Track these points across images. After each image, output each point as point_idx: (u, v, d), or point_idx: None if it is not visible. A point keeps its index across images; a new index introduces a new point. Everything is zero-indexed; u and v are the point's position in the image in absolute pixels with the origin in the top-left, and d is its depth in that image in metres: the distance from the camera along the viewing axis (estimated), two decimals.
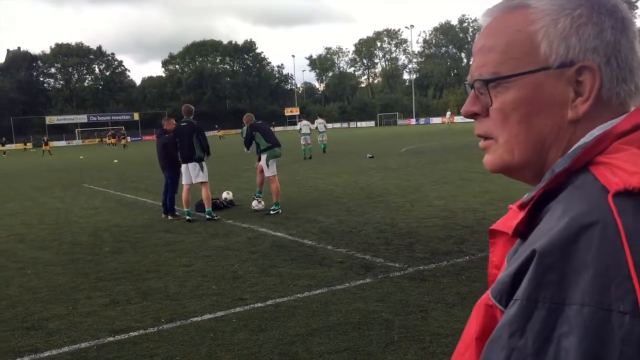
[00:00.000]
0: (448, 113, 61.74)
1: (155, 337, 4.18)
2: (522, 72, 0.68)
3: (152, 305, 4.92)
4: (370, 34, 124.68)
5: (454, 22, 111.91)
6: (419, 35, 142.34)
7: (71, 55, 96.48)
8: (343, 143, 33.70)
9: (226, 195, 10.67)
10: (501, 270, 0.67)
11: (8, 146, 60.74)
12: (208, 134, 9.55)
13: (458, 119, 64.06)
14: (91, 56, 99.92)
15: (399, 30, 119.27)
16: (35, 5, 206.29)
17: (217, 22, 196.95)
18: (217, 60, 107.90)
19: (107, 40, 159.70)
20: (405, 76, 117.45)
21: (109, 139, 60.73)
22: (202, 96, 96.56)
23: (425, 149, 24.50)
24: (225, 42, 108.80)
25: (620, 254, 0.53)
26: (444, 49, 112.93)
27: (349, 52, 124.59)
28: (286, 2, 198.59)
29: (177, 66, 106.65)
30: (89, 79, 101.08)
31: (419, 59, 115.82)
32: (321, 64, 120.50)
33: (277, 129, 60.38)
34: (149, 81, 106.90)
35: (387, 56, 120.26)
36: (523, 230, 0.64)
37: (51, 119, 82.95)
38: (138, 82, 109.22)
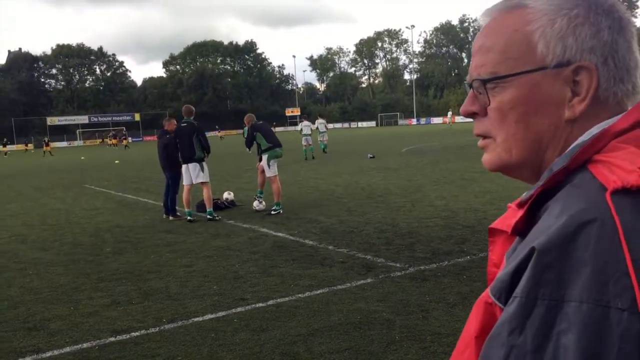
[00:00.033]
0: (449, 113, 61.80)
1: (156, 337, 4.19)
2: (520, 72, 0.69)
3: (154, 305, 4.93)
4: (371, 34, 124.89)
5: (455, 22, 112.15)
6: (420, 35, 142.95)
7: (72, 56, 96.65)
8: (344, 143, 33.71)
9: (227, 195, 10.67)
10: (500, 268, 0.67)
11: (9, 147, 60.81)
12: (209, 134, 9.52)
13: (459, 119, 64.04)
14: (92, 57, 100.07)
15: (399, 30, 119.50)
16: (36, 6, 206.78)
17: (218, 23, 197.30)
18: (218, 61, 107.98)
19: (108, 41, 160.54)
20: (406, 76, 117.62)
21: (110, 140, 60.79)
22: (203, 97, 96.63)
23: (426, 149, 24.50)
24: (226, 42, 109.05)
25: (618, 251, 0.53)
26: (444, 49, 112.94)
27: (349, 52, 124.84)
28: (286, 2, 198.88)
29: (178, 67, 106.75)
30: (90, 79, 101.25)
31: (420, 59, 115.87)
32: (322, 64, 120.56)
33: (278, 129, 60.43)
34: (149, 82, 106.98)
35: (387, 56, 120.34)
36: (522, 229, 0.65)
37: (52, 120, 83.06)
38: (139, 82, 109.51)
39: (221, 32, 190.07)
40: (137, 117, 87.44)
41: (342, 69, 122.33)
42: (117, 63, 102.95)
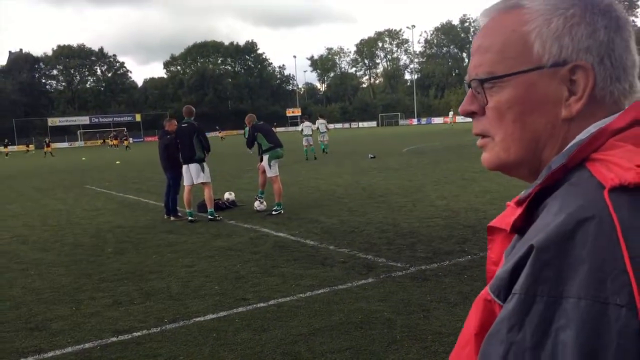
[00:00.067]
0: (451, 113, 61.83)
1: (158, 337, 4.19)
2: (516, 72, 0.69)
3: (155, 305, 4.94)
4: (372, 34, 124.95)
5: (455, 22, 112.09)
6: (421, 35, 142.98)
7: (73, 57, 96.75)
8: (345, 143, 33.71)
9: (228, 195, 10.68)
10: (499, 266, 0.67)
11: (10, 148, 60.88)
12: (209, 135, 9.56)
13: (460, 118, 64.00)
14: (93, 58, 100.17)
15: (400, 30, 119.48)
16: (37, 7, 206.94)
17: (219, 23, 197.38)
18: (219, 61, 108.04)
19: (108, 42, 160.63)
20: (407, 76, 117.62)
21: (111, 140, 60.87)
22: (203, 97, 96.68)
23: (427, 149, 24.50)
24: (226, 43, 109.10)
25: (616, 248, 0.53)
26: (445, 49, 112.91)
27: (350, 52, 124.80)
28: (287, 3, 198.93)
29: (178, 67, 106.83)
30: (91, 80, 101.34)
31: (421, 59, 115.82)
32: (322, 64, 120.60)
33: (278, 129, 60.49)
34: (150, 82, 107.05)
35: (388, 56, 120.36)
36: (520, 227, 0.65)
37: (53, 121, 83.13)
38: (140, 83, 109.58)
39: (222, 33, 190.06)
40: (138, 117, 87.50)
41: (343, 69, 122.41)
42: (117, 64, 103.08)
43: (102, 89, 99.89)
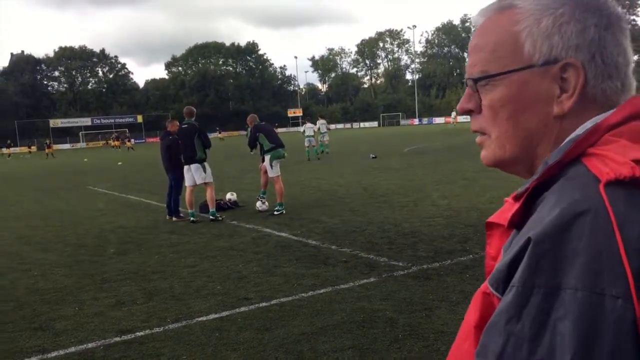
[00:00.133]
0: (453, 113, 61.79)
1: (161, 336, 4.21)
2: (508, 71, 0.71)
3: (158, 305, 4.96)
4: (373, 34, 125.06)
5: (456, 21, 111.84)
6: (421, 35, 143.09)
7: (74, 59, 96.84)
8: (346, 144, 33.72)
9: (230, 196, 10.70)
10: (498, 261, 0.69)
11: (12, 149, 61.01)
12: (209, 135, 9.61)
13: (462, 118, 63.98)
14: (94, 59, 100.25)
15: (401, 30, 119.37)
16: (39, 9, 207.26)
17: (220, 24, 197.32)
18: (220, 62, 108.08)
19: (110, 43, 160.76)
20: (408, 76, 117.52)
21: (113, 142, 60.97)
22: (205, 98, 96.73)
23: (428, 148, 24.50)
24: (227, 43, 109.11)
25: (612, 240, 0.55)
26: (446, 48, 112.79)
27: (351, 52, 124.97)
28: (288, 4, 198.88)
29: (180, 68, 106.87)
30: (93, 82, 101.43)
31: (422, 59, 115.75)
32: (324, 64, 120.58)
33: (280, 130, 60.44)
34: (152, 84, 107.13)
35: (389, 56, 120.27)
36: (518, 221, 0.66)
37: (55, 122, 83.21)
38: (141, 84, 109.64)
39: (223, 34, 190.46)
40: (140, 118, 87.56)
41: (344, 69, 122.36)
42: (119, 65, 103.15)
43: (103, 90, 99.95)
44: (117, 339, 4.23)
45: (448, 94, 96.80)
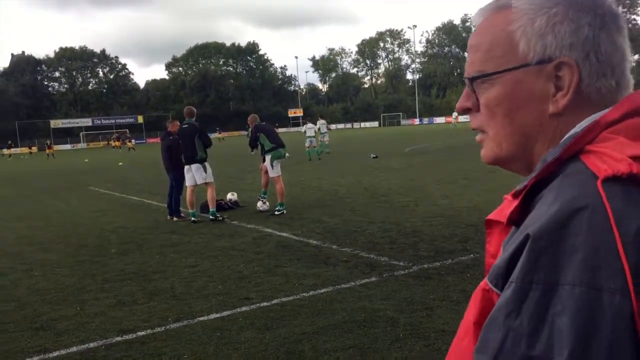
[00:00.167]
0: (454, 114, 61.76)
1: (162, 336, 4.22)
2: (503, 70, 0.72)
3: (159, 305, 4.97)
4: (373, 34, 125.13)
5: (457, 21, 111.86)
6: (422, 35, 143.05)
7: (75, 59, 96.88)
8: (347, 144, 33.73)
9: (231, 196, 10.71)
10: (497, 258, 0.69)
11: (13, 150, 61.08)
12: (209, 135, 9.68)
13: (463, 118, 63.98)
14: (95, 60, 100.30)
15: (401, 30, 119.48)
16: (39, 10, 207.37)
17: (220, 25, 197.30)
18: (221, 63, 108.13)
19: (110, 44, 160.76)
20: (409, 76, 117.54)
21: (113, 142, 61.06)
22: (205, 98, 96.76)
23: (429, 148, 24.51)
24: (228, 44, 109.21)
25: (610, 236, 0.55)
26: (446, 48, 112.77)
27: (351, 52, 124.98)
28: (288, 4, 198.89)
29: (180, 69, 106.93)
30: (93, 82, 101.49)
31: (422, 59, 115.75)
32: (324, 65, 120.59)
33: (280, 130, 60.52)
34: (152, 84, 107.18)
35: (390, 56, 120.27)
36: (517, 218, 0.67)
37: (56, 123, 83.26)
38: (142, 85, 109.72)
39: (223, 34, 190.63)
40: (140, 119, 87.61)
41: (345, 69, 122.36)
42: (119, 65, 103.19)
43: (104, 90, 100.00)
44: (119, 338, 4.24)
45: (449, 93, 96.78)
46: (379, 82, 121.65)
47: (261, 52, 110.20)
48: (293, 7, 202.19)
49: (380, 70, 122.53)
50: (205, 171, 9.24)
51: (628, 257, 0.54)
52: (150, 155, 33.36)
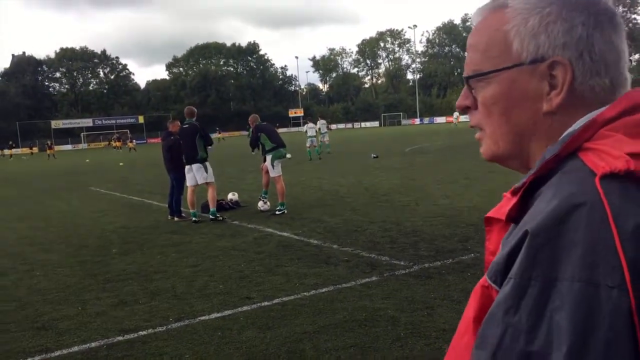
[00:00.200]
0: (455, 113, 61.76)
1: (164, 335, 4.23)
2: (498, 69, 0.73)
3: (160, 305, 4.97)
4: (374, 34, 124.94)
5: (457, 21, 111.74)
6: (422, 35, 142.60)
7: (76, 60, 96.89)
8: (347, 144, 33.73)
9: (232, 196, 10.72)
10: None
11: (14, 150, 61.14)
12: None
13: (464, 118, 63.96)
14: (96, 60, 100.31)
15: (402, 30, 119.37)
16: (40, 10, 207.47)
17: (221, 25, 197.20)
18: (221, 63, 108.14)
19: (111, 44, 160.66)
20: (409, 76, 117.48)
21: (114, 142, 61.15)
22: (206, 98, 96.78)
23: (430, 148, 24.51)
24: (228, 44, 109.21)
25: (607, 232, 0.56)
26: (447, 48, 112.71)
27: (352, 52, 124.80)
28: (288, 4, 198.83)
29: (181, 69, 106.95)
30: (94, 82, 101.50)
31: (423, 59, 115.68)
32: (325, 65, 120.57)
33: (281, 130, 60.54)
34: (153, 84, 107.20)
35: (390, 56, 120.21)
36: (516, 215, 0.67)
37: (57, 123, 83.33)
38: (142, 85, 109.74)
39: (224, 34, 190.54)
40: (141, 119, 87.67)
41: (345, 69, 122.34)
42: (120, 66, 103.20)
43: (105, 91, 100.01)
44: (120, 338, 4.25)
45: (449, 93, 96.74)
46: (379, 82, 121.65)
47: (261, 52, 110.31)
48: (293, 7, 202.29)
49: (380, 70, 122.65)
50: (206, 171, 9.25)
51: (626, 253, 0.54)
52: (151, 156, 33.38)
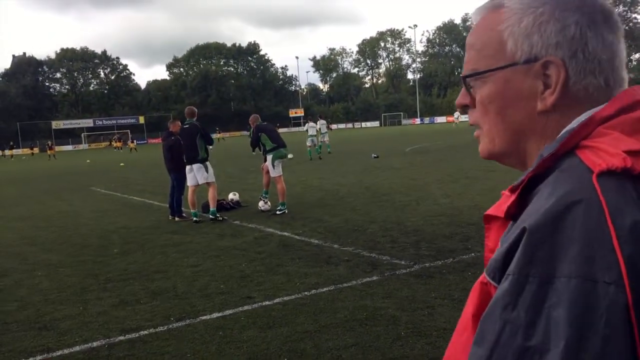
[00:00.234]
0: (456, 113, 61.74)
1: (165, 335, 4.24)
2: (493, 69, 0.74)
3: (162, 304, 4.98)
4: (374, 34, 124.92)
5: (457, 21, 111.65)
6: (423, 34, 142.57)
7: (76, 60, 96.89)
8: (348, 144, 33.73)
9: (232, 196, 10.73)
10: None
11: (14, 151, 61.19)
12: None
13: (464, 117, 63.91)
14: (96, 60, 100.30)
15: (402, 30, 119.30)
16: (40, 11, 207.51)
17: (221, 25, 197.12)
18: (222, 63, 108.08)
19: (111, 45, 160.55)
20: (409, 76, 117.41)
21: (115, 142, 61.23)
22: (207, 99, 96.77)
23: (430, 148, 24.50)
24: (229, 44, 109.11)
25: (604, 229, 0.56)
26: (447, 48, 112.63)
27: (352, 52, 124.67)
28: (288, 4, 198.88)
29: (181, 69, 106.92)
30: (94, 83, 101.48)
31: (423, 59, 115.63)
32: (325, 64, 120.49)
33: (281, 130, 60.48)
34: (153, 84, 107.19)
35: (390, 56, 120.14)
36: (514, 213, 0.68)
37: (57, 124, 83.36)
38: (143, 85, 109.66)
39: (224, 34, 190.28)
40: (142, 119, 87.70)
41: (345, 69, 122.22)
42: (121, 66, 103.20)
43: (105, 91, 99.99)
44: (122, 337, 4.26)
45: (450, 93, 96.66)
46: (379, 81, 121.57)
47: (262, 53, 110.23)
48: (293, 7, 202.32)
49: (381, 70, 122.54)
50: (207, 171, 9.26)
51: (623, 250, 0.55)
52: (151, 156, 33.39)
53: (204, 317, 4.56)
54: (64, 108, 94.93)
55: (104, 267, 6.57)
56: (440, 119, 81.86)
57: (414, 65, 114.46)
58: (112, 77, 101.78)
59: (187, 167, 9.34)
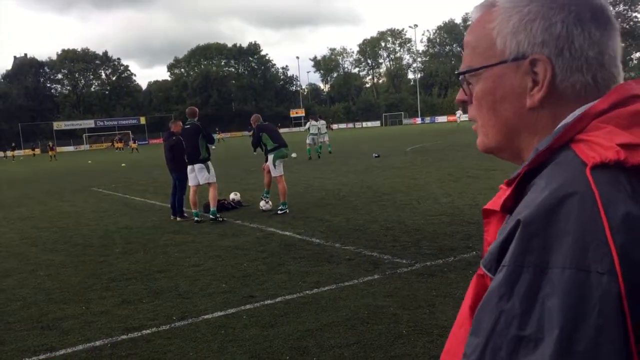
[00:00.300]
0: (458, 112, 61.73)
1: (167, 334, 4.26)
2: (485, 66, 0.76)
3: (164, 303, 5.00)
4: (374, 34, 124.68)
5: (458, 20, 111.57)
6: (423, 34, 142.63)
7: (77, 61, 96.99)
8: (349, 143, 33.73)
9: (234, 196, 10.75)
10: None
11: (16, 152, 61.29)
12: None
13: (465, 117, 63.89)
14: (97, 61, 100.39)
15: (402, 29, 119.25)
16: (41, 12, 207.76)
17: (221, 25, 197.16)
18: (222, 63, 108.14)
19: (112, 46, 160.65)
20: (410, 75, 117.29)
21: (117, 143, 61.29)
22: (208, 99, 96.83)
23: (431, 147, 24.49)
24: (229, 45, 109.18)
25: (598, 221, 0.58)
26: (448, 47, 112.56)
27: (353, 52, 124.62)
28: (289, 4, 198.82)
29: (182, 70, 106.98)
30: (96, 84, 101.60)
31: (424, 58, 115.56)
32: (326, 65, 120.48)
33: (282, 130, 60.42)
34: (155, 85, 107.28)
35: (391, 56, 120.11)
36: (510, 206, 0.70)
37: (59, 125, 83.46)
38: (144, 86, 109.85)
39: (225, 35, 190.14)
40: (143, 120, 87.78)
41: (346, 69, 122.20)
42: (122, 67, 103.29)
43: (106, 92, 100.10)
44: (124, 336, 4.28)
45: (450, 92, 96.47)
46: (380, 81, 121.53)
47: (263, 53, 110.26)
48: (294, 7, 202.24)
49: (381, 70, 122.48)
50: (209, 171, 9.27)
51: (615, 240, 0.56)
52: (153, 156, 33.43)
53: (206, 316, 4.58)
54: (66, 109, 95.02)
55: (106, 266, 6.59)
56: (441, 119, 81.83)
57: (414, 65, 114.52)
58: (114, 78, 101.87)
59: (189, 167, 9.36)
